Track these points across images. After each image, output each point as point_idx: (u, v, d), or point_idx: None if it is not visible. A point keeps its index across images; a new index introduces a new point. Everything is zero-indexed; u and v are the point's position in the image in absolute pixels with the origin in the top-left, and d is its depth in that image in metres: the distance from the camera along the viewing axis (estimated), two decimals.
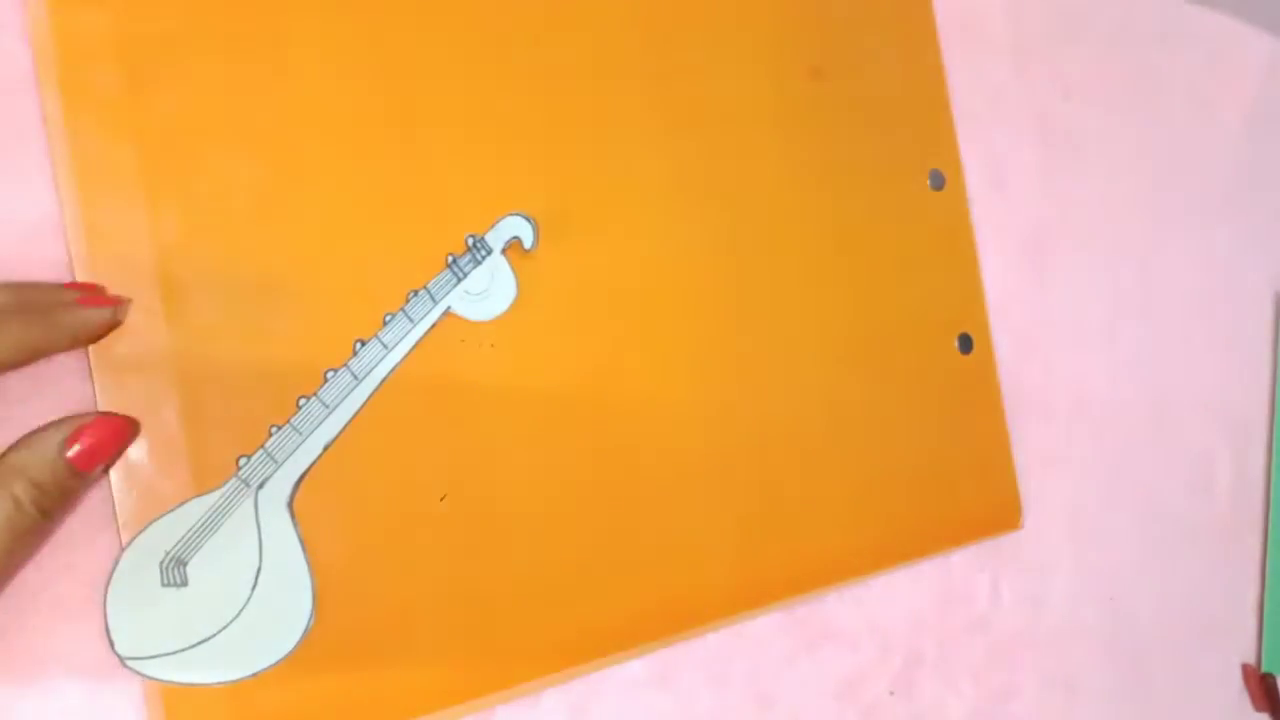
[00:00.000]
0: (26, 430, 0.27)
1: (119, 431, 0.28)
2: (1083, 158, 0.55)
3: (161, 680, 0.29)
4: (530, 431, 0.36)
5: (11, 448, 0.27)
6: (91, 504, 0.30)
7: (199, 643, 0.30)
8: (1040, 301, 0.53)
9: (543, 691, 0.37)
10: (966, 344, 0.49)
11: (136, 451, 0.30)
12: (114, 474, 0.30)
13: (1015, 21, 0.53)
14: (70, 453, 0.27)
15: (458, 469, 0.35)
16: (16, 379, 0.29)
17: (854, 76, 0.46)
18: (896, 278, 0.46)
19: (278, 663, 0.31)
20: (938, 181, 0.48)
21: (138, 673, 0.29)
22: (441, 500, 0.34)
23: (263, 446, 0.31)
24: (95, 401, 0.30)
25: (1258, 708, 0.61)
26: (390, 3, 0.35)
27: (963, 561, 0.49)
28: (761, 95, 0.43)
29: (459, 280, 0.34)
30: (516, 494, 0.36)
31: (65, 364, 0.30)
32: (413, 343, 0.33)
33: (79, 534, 0.30)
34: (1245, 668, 0.61)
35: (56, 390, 0.30)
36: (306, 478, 0.32)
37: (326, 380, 0.32)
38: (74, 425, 0.27)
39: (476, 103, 0.36)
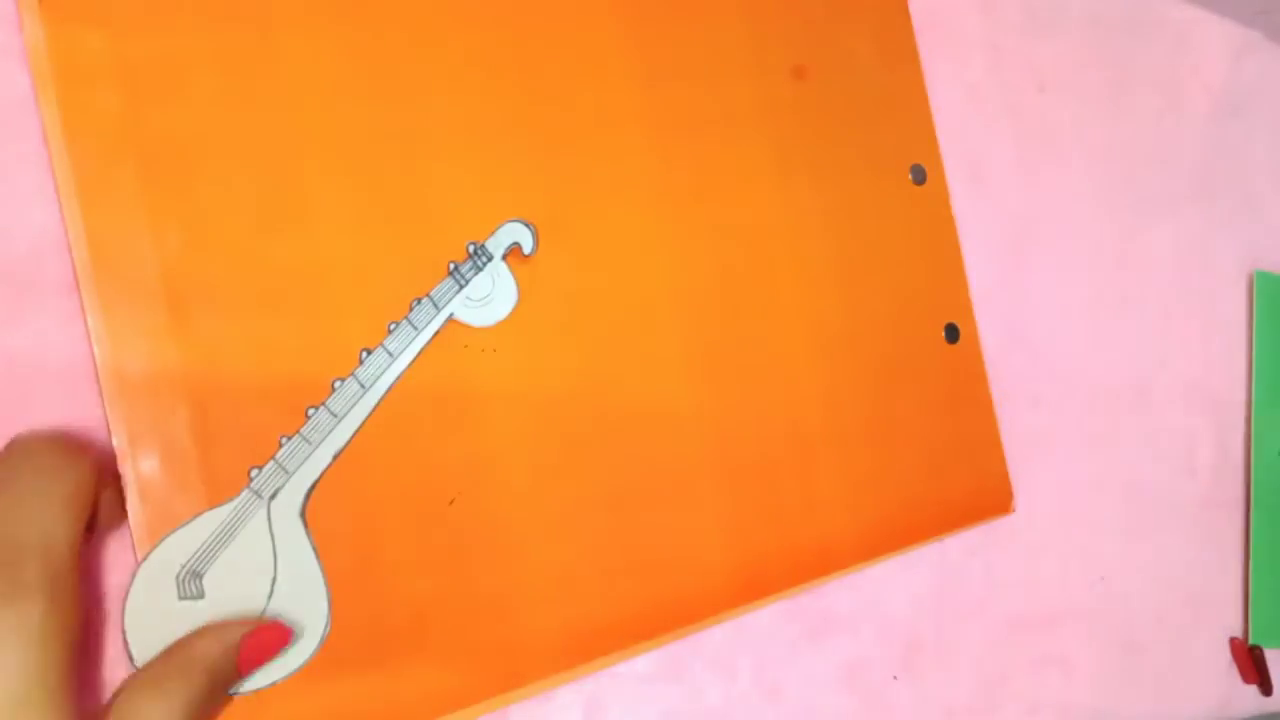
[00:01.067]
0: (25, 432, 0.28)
1: (280, 642, 0.30)
2: (1058, 148, 0.57)
3: None
4: (535, 433, 0.37)
5: (194, 635, 0.29)
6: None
7: None
8: (1023, 290, 0.54)
9: (556, 689, 0.37)
10: (953, 334, 0.50)
11: (147, 466, 0.30)
12: (127, 491, 0.30)
13: (988, 16, 0.54)
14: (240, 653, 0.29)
15: (466, 472, 0.35)
16: (23, 394, 0.29)
17: (835, 75, 0.47)
18: (883, 271, 0.47)
19: (296, 670, 0.31)
20: (919, 176, 0.49)
21: None
22: (451, 504, 0.35)
23: (273, 457, 0.31)
24: (105, 417, 0.30)
25: (1247, 680, 0.62)
26: (387, 14, 0.35)
27: (957, 547, 0.50)
28: (745, 96, 0.44)
29: (461, 287, 0.34)
30: (524, 495, 0.36)
31: (73, 381, 0.30)
32: (417, 350, 0.34)
33: (96, 556, 0.30)
34: (1233, 641, 0.63)
35: (65, 407, 0.30)
36: (317, 487, 0.32)
37: (334, 390, 0.33)
38: (250, 626, 0.29)
39: (471, 112, 0.36)
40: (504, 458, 0.36)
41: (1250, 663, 0.62)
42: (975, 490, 0.50)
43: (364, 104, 0.34)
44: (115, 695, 0.27)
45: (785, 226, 0.44)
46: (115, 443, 0.30)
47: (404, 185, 0.34)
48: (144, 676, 0.27)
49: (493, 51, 0.37)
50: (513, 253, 0.36)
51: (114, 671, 0.29)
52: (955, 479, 0.49)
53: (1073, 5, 0.58)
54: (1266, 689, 0.62)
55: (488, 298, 0.35)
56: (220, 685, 0.28)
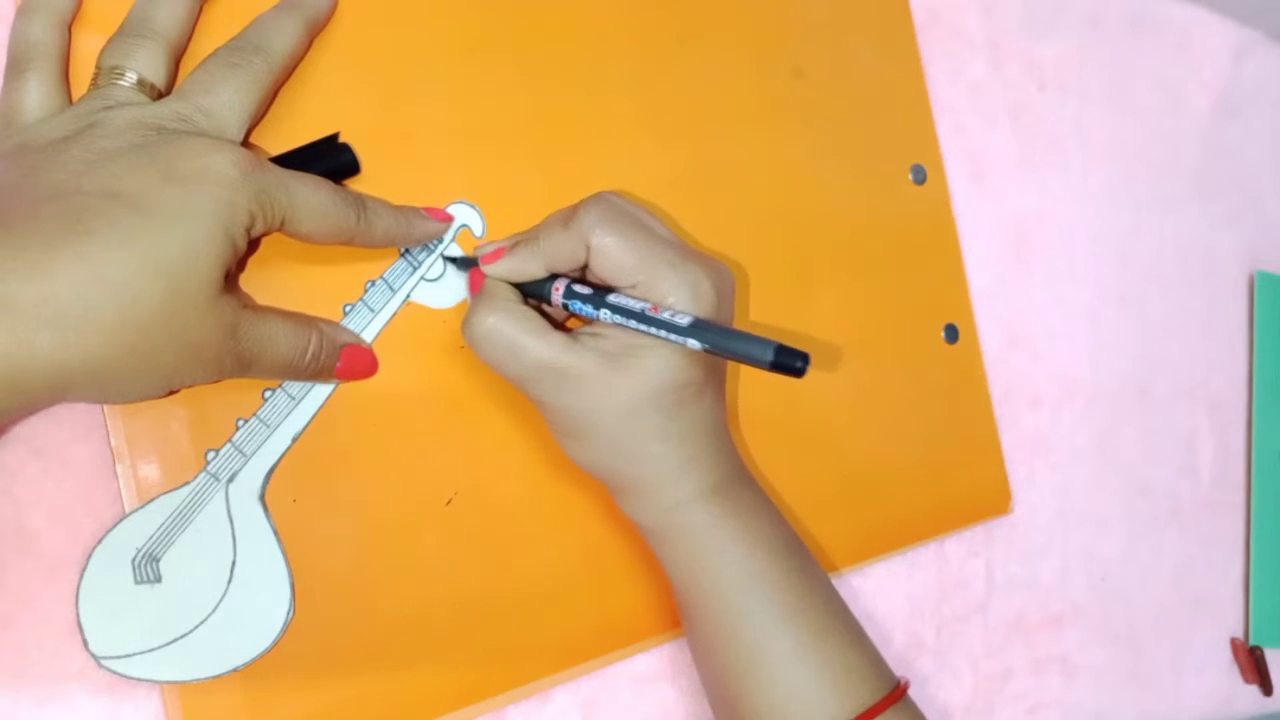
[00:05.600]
0: None
1: (364, 370, 0.33)
2: (1059, 148, 0.57)
3: (139, 679, 0.29)
4: (530, 431, 0.37)
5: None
6: (102, 523, 0.30)
7: (177, 639, 0.30)
8: (1023, 290, 0.54)
9: (553, 689, 0.37)
10: (953, 334, 0.50)
11: (102, 450, 0.30)
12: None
13: (989, 15, 0.54)
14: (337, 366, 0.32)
15: (463, 471, 0.35)
16: None
17: (835, 75, 0.47)
18: (883, 271, 0.47)
19: (259, 657, 0.31)
20: (920, 176, 0.49)
21: (113, 672, 0.29)
22: (448, 504, 0.35)
23: (230, 440, 0.31)
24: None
25: (1248, 680, 0.62)
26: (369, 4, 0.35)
27: (957, 548, 0.50)
28: (745, 96, 0.44)
29: (414, 269, 0.35)
30: (522, 495, 0.36)
31: None
32: (376, 331, 0.34)
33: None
34: (1234, 641, 0.62)
35: None
36: (278, 470, 0.32)
37: None
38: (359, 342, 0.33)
39: (453, 100, 0.36)
40: (494, 452, 0.36)
41: (1251, 663, 0.62)
42: (974, 490, 0.50)
43: (326, 83, 0.34)
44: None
45: (782, 226, 0.44)
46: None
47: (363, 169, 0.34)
48: None
49: (482, 39, 0.37)
50: (462, 235, 0.36)
51: (62, 648, 0.29)
52: (954, 479, 0.49)
53: (1073, 5, 0.58)
54: (1267, 689, 0.62)
55: (442, 279, 0.35)
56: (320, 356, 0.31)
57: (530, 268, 0.33)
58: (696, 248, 0.40)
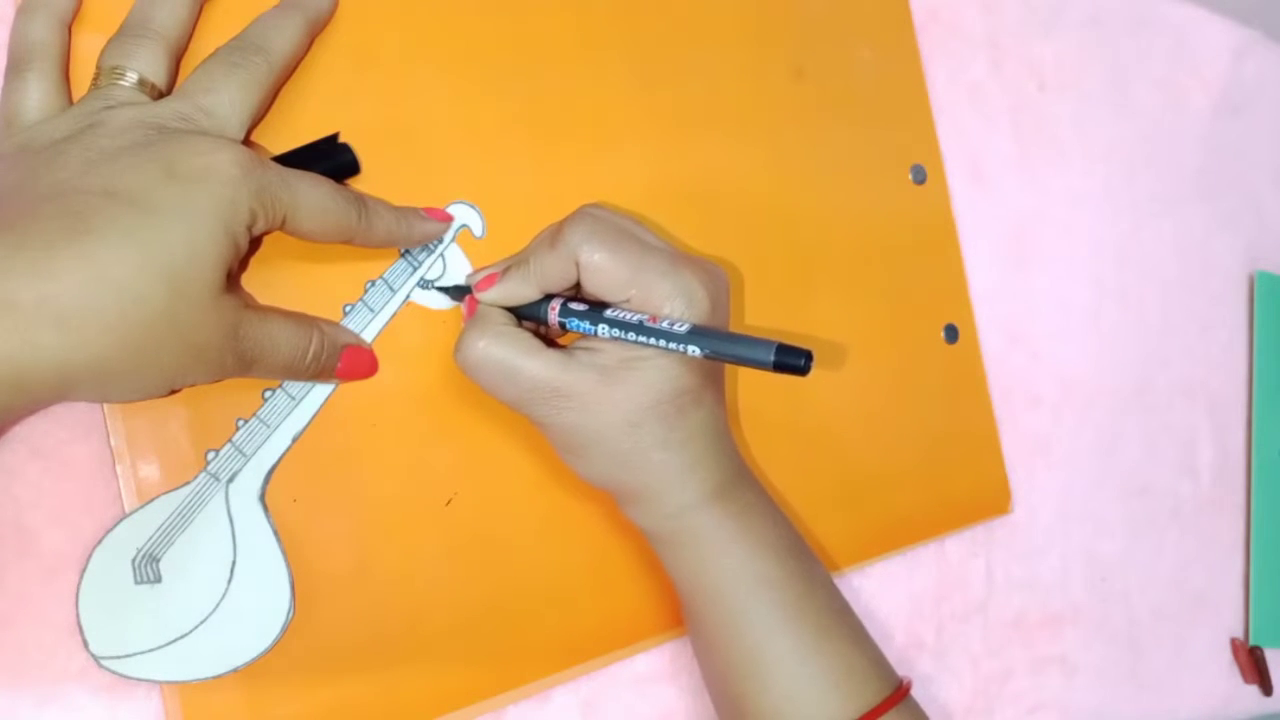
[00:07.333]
0: None
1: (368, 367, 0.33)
2: (1059, 148, 0.57)
3: (139, 679, 0.29)
4: (530, 432, 0.37)
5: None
6: (102, 523, 0.30)
7: (177, 639, 0.30)
8: (1023, 290, 0.54)
9: (553, 689, 0.37)
10: (953, 334, 0.50)
11: (102, 450, 0.30)
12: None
13: (989, 15, 0.54)
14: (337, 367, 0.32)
15: (457, 467, 0.35)
16: None
17: (835, 76, 0.47)
18: (883, 272, 0.47)
19: (259, 657, 0.31)
20: (920, 176, 0.49)
21: (113, 672, 0.29)
22: (448, 504, 0.35)
23: (230, 440, 0.31)
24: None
25: (1248, 680, 0.62)
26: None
27: (957, 548, 0.50)
28: (745, 96, 0.44)
29: (414, 269, 0.35)
30: (522, 495, 0.36)
31: None
32: (376, 331, 0.34)
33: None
34: (1234, 642, 0.62)
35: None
36: (278, 470, 0.32)
37: None
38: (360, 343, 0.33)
39: (453, 100, 0.36)
40: (500, 456, 0.36)
41: (1251, 663, 0.62)
42: (974, 490, 0.50)
43: (322, 83, 0.34)
44: None
45: (782, 227, 0.44)
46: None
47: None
48: None
49: (479, 39, 0.37)
50: (462, 235, 0.36)
51: (62, 648, 0.29)
52: (954, 479, 0.49)
53: (1073, 5, 0.58)
54: (1266, 689, 0.62)
55: (442, 279, 0.35)
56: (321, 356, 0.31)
57: (524, 292, 0.33)
58: (688, 251, 0.40)
